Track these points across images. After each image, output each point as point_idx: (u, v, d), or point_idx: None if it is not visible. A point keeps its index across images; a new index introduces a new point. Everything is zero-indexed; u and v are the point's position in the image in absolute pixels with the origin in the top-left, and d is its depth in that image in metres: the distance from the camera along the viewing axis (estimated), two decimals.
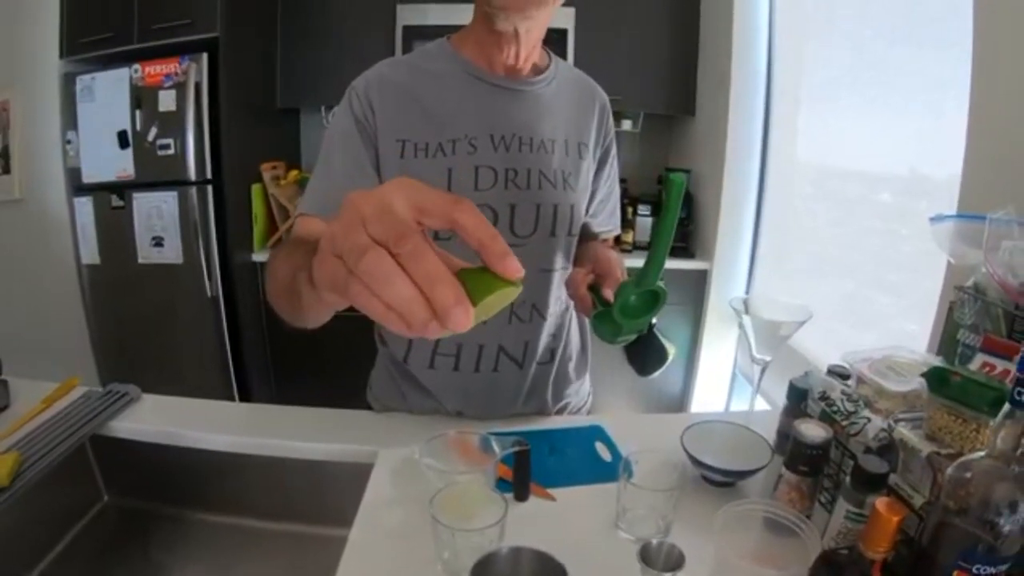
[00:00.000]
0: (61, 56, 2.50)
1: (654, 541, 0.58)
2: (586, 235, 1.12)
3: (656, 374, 2.78)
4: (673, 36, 2.79)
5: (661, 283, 0.84)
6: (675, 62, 2.80)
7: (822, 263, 2.24)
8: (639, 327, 0.88)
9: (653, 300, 0.86)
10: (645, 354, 2.76)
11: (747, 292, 2.69)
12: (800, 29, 2.35)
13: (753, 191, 2.59)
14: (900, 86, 1.74)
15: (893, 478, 0.69)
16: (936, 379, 0.69)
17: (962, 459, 0.55)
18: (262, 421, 1.10)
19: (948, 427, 0.67)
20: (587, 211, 1.10)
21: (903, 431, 0.70)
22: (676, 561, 0.56)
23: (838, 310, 2.04)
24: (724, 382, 2.80)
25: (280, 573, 1.00)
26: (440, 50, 0.99)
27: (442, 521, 0.67)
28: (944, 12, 1.48)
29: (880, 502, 0.55)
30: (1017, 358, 0.50)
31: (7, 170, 2.52)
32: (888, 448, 0.71)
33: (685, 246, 2.83)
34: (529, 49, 0.96)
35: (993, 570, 0.53)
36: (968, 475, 0.54)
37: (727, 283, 2.68)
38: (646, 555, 0.57)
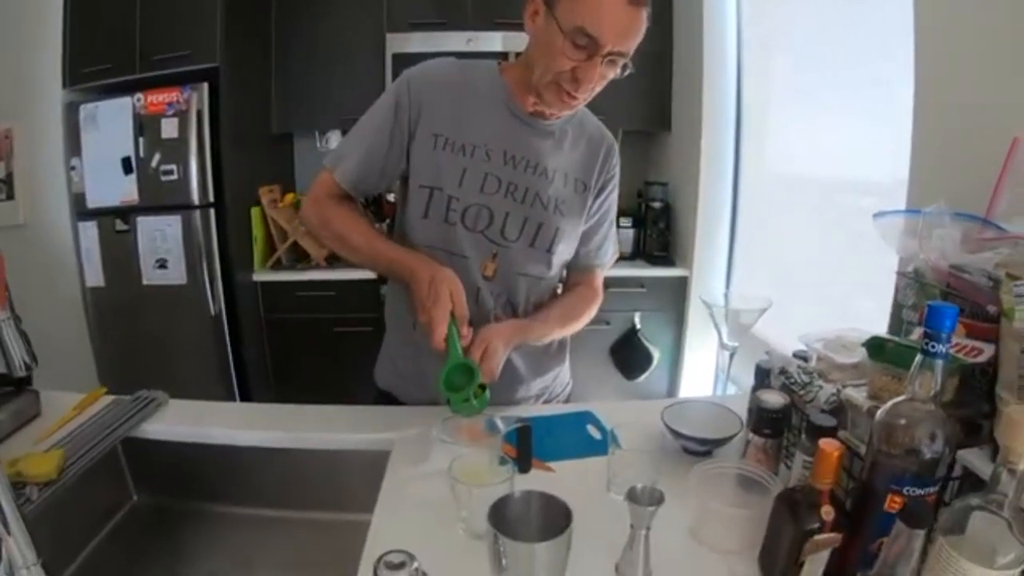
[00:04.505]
0: (64, 86, 2.58)
1: (639, 485, 0.68)
2: (581, 264, 1.29)
3: (642, 378, 2.89)
4: (649, 56, 2.93)
5: (470, 360, 0.96)
6: (652, 81, 2.95)
7: (795, 263, 2.37)
8: (464, 398, 0.94)
9: (471, 374, 0.96)
10: (631, 358, 2.87)
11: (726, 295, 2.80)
12: (765, 44, 2.51)
13: (727, 200, 2.73)
14: (854, 96, 1.90)
15: (843, 433, 0.80)
16: (874, 347, 0.82)
17: (888, 404, 0.67)
18: (283, 418, 1.19)
19: (886, 386, 0.79)
20: (583, 236, 1.26)
21: (850, 393, 0.82)
22: (658, 498, 0.67)
23: (809, 303, 2.16)
24: (708, 382, 2.91)
25: (301, 558, 1.08)
26: (488, 71, 1.15)
27: (460, 480, 0.77)
28: (889, 27, 1.62)
29: (824, 442, 0.66)
30: (923, 317, 0.62)
31: (11, 196, 2.58)
32: (839, 410, 0.83)
33: (665, 255, 2.97)
34: None
35: (922, 491, 0.64)
36: (895, 418, 0.66)
37: (706, 288, 2.80)
38: (632, 496, 0.68)
